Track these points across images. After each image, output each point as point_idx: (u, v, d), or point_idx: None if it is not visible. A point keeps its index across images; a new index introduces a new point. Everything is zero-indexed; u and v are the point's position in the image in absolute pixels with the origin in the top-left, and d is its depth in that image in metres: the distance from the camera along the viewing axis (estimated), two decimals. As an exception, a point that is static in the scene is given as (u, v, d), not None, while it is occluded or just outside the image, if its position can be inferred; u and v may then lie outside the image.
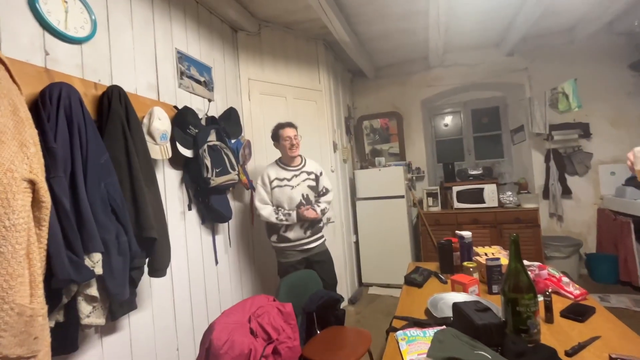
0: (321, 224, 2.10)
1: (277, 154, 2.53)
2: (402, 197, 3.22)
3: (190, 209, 1.72)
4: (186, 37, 1.88)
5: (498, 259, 1.32)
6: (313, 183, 2.03)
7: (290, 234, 1.95)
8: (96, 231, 1.03)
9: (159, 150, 1.45)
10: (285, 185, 1.96)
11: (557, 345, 0.88)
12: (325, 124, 2.91)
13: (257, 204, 1.96)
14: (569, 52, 3.26)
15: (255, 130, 2.42)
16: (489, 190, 3.17)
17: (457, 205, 3.30)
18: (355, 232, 3.38)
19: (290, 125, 2.01)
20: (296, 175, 2.00)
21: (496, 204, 3.15)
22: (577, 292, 1.19)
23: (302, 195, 1.97)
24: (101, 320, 1.11)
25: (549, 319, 1.05)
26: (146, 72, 1.56)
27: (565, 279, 1.25)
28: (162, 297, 1.52)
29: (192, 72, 1.88)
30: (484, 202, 3.19)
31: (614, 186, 3.10)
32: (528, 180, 3.45)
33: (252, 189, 2.18)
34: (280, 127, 2.01)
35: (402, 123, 3.89)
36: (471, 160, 3.97)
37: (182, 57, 1.81)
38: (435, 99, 3.97)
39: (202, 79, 1.96)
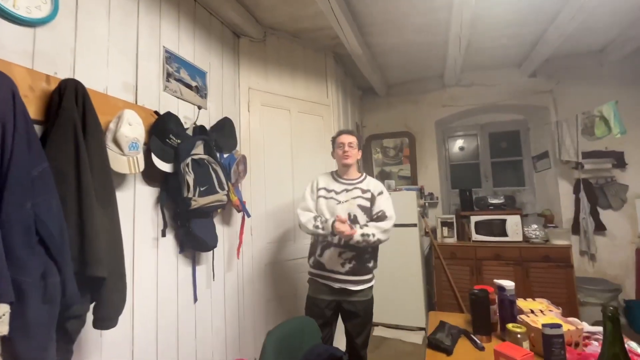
0: (371, 264, 1.67)
1: (275, 173, 2.26)
2: (415, 225, 2.89)
3: (164, 235, 1.42)
4: (178, 36, 1.65)
5: (559, 325, 0.98)
6: (367, 203, 1.66)
7: (325, 259, 1.62)
8: (4, 272, 0.73)
9: (126, 162, 1.17)
10: (331, 198, 1.69)
11: None
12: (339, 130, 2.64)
13: (298, 210, 1.71)
14: (599, 74, 3.01)
15: (254, 144, 2.16)
16: (512, 222, 2.83)
17: (475, 237, 2.95)
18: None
19: (349, 132, 1.78)
20: (347, 190, 1.70)
21: (521, 238, 2.80)
22: (681, 385, 0.85)
23: (349, 215, 1.63)
24: (6, 398, 0.78)
25: None
26: (122, 70, 1.31)
27: (657, 362, 0.91)
28: (117, 350, 1.19)
29: (182, 75, 1.64)
30: (506, 235, 2.84)
31: (654, 223, 2.74)
32: (554, 212, 3.11)
33: (245, 212, 1.88)
34: (338, 134, 1.78)
35: (414, 144, 3.61)
36: (489, 188, 3.65)
37: (170, 57, 1.57)
38: (450, 120, 3.71)
39: (193, 84, 1.71)
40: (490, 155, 3.71)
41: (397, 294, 2.83)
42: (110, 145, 1.14)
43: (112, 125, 1.16)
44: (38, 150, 0.88)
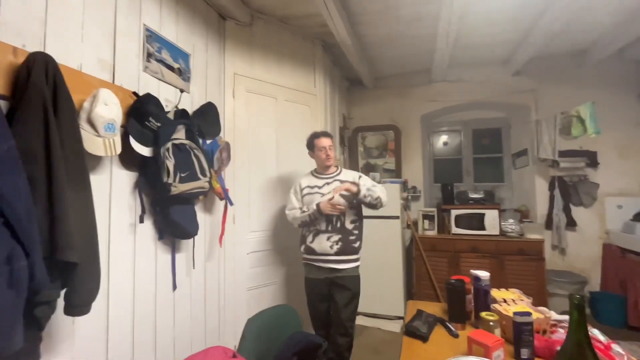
0: (357, 244, 1.86)
1: (260, 161, 2.24)
2: (397, 217, 2.94)
3: (142, 221, 1.38)
4: (160, 14, 1.57)
5: (529, 313, 1.02)
6: (346, 192, 1.78)
7: (315, 245, 1.83)
8: (-36, 255, 0.68)
9: (101, 143, 1.12)
10: (315, 193, 1.88)
11: None
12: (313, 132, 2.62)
13: (286, 212, 1.94)
14: (578, 76, 3.11)
15: (239, 131, 2.11)
16: (491, 217, 2.93)
17: (455, 230, 3.04)
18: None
19: (326, 134, 1.96)
20: (328, 183, 1.90)
21: (497, 232, 2.90)
22: (636, 368, 0.90)
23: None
24: (-32, 386, 0.75)
25: (611, 413, 0.76)
26: (98, 46, 1.24)
27: (616, 348, 0.97)
28: (90, 338, 1.16)
29: (164, 55, 1.57)
30: (484, 229, 2.93)
31: (621, 220, 2.90)
32: (530, 208, 3.23)
33: (228, 200, 1.85)
34: (315, 136, 1.95)
35: (399, 138, 3.64)
36: (470, 183, 3.75)
37: (151, 36, 1.50)
38: (435, 115, 3.76)
39: (175, 66, 1.65)
40: (472, 151, 3.79)
41: (378, 284, 2.89)
42: (84, 125, 1.08)
43: (86, 105, 1.10)
44: (3, 127, 0.82)
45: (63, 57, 1.08)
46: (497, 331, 1.10)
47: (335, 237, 1.81)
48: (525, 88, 3.26)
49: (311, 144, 1.96)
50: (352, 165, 3.69)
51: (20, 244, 0.81)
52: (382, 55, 3.09)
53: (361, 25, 2.51)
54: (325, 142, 1.91)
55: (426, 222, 3.17)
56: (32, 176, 0.88)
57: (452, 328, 1.21)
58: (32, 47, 1.01)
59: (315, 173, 1.99)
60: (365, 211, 2.78)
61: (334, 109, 3.08)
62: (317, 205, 1.79)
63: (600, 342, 0.99)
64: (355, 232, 1.86)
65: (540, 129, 3.00)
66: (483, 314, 1.13)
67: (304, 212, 1.84)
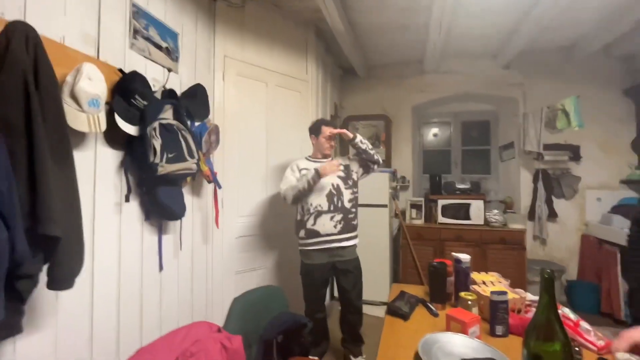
0: (355, 222, 1.97)
1: (249, 146, 2.23)
2: (385, 206, 2.98)
3: (128, 200, 1.36)
4: (147, -10, 1.53)
5: (505, 292, 1.07)
6: (342, 174, 1.95)
7: (319, 227, 1.86)
8: (-58, 223, 0.67)
9: (85, 119, 1.10)
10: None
11: None
12: (308, 118, 2.61)
13: (281, 186, 1.93)
14: (565, 71, 3.17)
15: (228, 115, 2.09)
16: (476, 207, 3.00)
17: (441, 219, 3.11)
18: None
19: (334, 125, 2.06)
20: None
21: (482, 222, 2.98)
22: (601, 342, 0.96)
23: (332, 185, 1.91)
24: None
25: (575, 382, 0.80)
26: (82, 19, 1.20)
27: (584, 325, 1.02)
28: (74, 313, 1.15)
29: (151, 33, 1.53)
30: (469, 218, 3.01)
31: (599, 213, 3.01)
32: (514, 199, 3.32)
33: (216, 183, 1.85)
34: (324, 122, 2.03)
35: (390, 128, 3.67)
36: (457, 174, 3.81)
37: (138, 13, 1.46)
38: (426, 107, 3.79)
39: (164, 45, 1.61)
40: (461, 144, 3.85)
41: (365, 271, 2.89)
42: (67, 99, 1.06)
43: (69, 79, 1.08)
44: (-20, 96, 0.80)
45: (44, 28, 1.04)
46: (475, 310, 1.14)
47: (338, 217, 1.87)
48: (514, 81, 3.31)
49: (318, 130, 2.01)
50: (342, 153, 3.70)
51: (1, 217, 0.80)
52: (375, 43, 3.08)
53: (355, 12, 2.50)
54: (331, 132, 1.99)
55: (414, 211, 3.23)
56: (12, 148, 0.86)
57: (433, 308, 1.25)
58: (12, 16, 0.97)
59: (312, 158, 2.04)
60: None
61: (326, 96, 3.07)
62: (316, 169, 1.81)
63: (570, 319, 1.04)
64: (353, 210, 1.96)
65: (527, 122, 3.06)
66: (462, 294, 1.18)
67: (299, 180, 1.86)
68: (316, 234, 1.87)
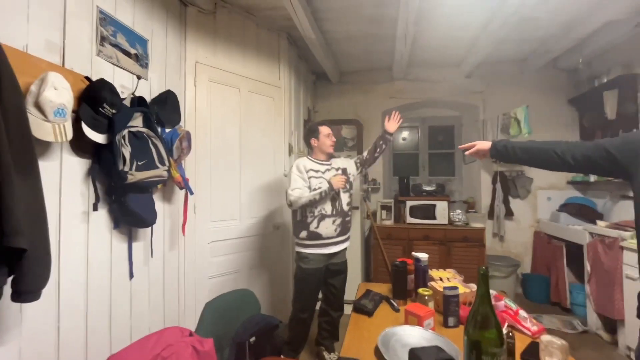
0: (350, 224, 2.08)
1: (222, 152, 2.24)
2: (357, 208, 3.09)
3: (96, 209, 1.35)
4: (115, -4, 1.52)
5: (456, 288, 1.19)
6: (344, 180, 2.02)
7: (322, 230, 1.92)
8: None
9: (51, 129, 1.09)
10: (320, 177, 1.97)
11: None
12: (281, 124, 2.67)
13: (289, 190, 1.92)
14: (520, 81, 3.45)
15: (200, 121, 2.10)
16: (441, 207, 3.19)
17: (409, 219, 3.27)
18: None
19: (326, 123, 2.12)
20: (328, 170, 2.03)
21: (446, 221, 3.17)
22: (535, 328, 1.10)
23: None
24: None
25: (510, 363, 0.93)
26: (46, 27, 1.19)
27: (522, 313, 1.16)
28: (39, 325, 1.14)
29: (119, 40, 1.53)
30: (435, 218, 3.19)
31: (549, 211, 3.31)
32: (476, 199, 3.56)
33: (188, 189, 1.86)
34: (319, 123, 2.09)
35: (362, 132, 3.80)
36: (425, 176, 4.02)
37: (105, 19, 1.45)
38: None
39: (132, 52, 1.60)
40: (428, 147, 4.06)
41: (338, 271, 3.03)
42: (31, 109, 1.05)
43: (33, 88, 1.07)
44: (-60, 109, 0.79)
45: (6, 36, 1.03)
46: (431, 304, 1.26)
47: (338, 220, 1.96)
48: (475, 89, 3.55)
49: (315, 132, 2.05)
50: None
51: (-37, 230, 0.80)
52: (347, 51, 3.19)
53: (325, 21, 2.58)
54: (328, 129, 2.06)
55: (384, 212, 3.37)
56: (-26, 161, 0.85)
57: (395, 304, 1.36)
58: (-30, 25, 0.95)
59: (314, 159, 2.06)
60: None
61: (299, 101, 3.13)
62: (329, 182, 1.88)
63: (511, 309, 1.18)
64: (350, 212, 2.09)
65: (485, 127, 3.30)
66: (420, 290, 1.29)
67: (314, 190, 1.90)
68: (318, 236, 1.92)
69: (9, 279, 0.94)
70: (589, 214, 2.84)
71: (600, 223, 2.54)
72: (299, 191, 1.90)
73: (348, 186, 2.02)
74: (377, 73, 3.72)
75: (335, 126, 3.78)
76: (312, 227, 1.92)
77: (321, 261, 1.96)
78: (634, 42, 2.57)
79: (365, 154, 2.19)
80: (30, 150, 0.99)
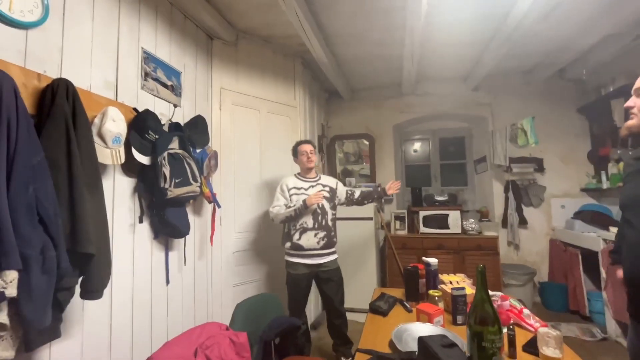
0: (335, 239, 2.16)
1: (244, 168, 2.44)
2: (371, 219, 3.21)
3: (141, 221, 1.55)
4: (155, 37, 1.77)
5: (463, 288, 1.30)
6: (328, 195, 2.15)
7: (303, 241, 2.03)
8: (14, 244, 0.86)
9: (109, 154, 1.31)
10: (302, 194, 2.10)
11: (521, 384, 0.85)
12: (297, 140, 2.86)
13: (270, 208, 2.09)
14: (527, 92, 3.54)
15: (225, 141, 2.31)
16: (454, 217, 3.26)
17: (423, 229, 3.35)
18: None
19: (308, 142, 2.25)
20: (312, 186, 2.15)
21: (459, 231, 3.23)
22: (538, 324, 1.19)
23: (318, 205, 2.07)
24: (9, 353, 0.91)
25: (512, 354, 1.03)
26: (104, 69, 1.43)
27: (526, 311, 1.26)
28: (97, 323, 1.32)
29: (159, 74, 1.77)
30: (448, 227, 3.26)
31: (563, 219, 3.32)
32: (489, 208, 3.61)
33: (216, 203, 2.05)
34: (299, 143, 2.24)
35: (374, 145, 3.95)
36: (437, 187, 4.10)
37: (148, 58, 1.69)
38: (406, 125, 4.10)
39: (169, 83, 1.84)
40: (439, 158, 4.16)
41: (354, 280, 3.14)
42: (95, 138, 1.26)
43: (96, 121, 1.29)
44: (36, 142, 1.01)
45: (76, 79, 1.25)
46: (441, 304, 1.36)
47: (322, 234, 2.06)
48: (483, 102, 3.66)
49: (295, 151, 2.23)
50: (331, 171, 3.96)
51: (50, 238, 0.99)
52: (357, 71, 3.39)
53: (336, 46, 2.80)
54: (306, 147, 2.19)
55: (397, 222, 3.47)
56: (56, 182, 1.06)
57: (408, 305, 1.47)
58: (52, 72, 1.19)
59: (300, 176, 2.21)
60: (341, 212, 3.04)
61: (313, 119, 3.33)
62: (303, 201, 2.00)
63: (515, 308, 1.28)
64: (334, 228, 2.17)
65: (494, 138, 3.38)
66: (430, 292, 1.40)
67: (290, 207, 2.03)
68: (300, 247, 2.04)
69: (79, 280, 1.14)
70: (603, 221, 2.85)
71: (613, 229, 2.56)
72: (278, 208, 2.06)
73: (325, 202, 2.10)
74: (386, 89, 3.89)
75: (349, 141, 3.98)
76: (295, 238, 2.05)
77: (307, 268, 2.07)
78: (635, 53, 2.65)
79: (357, 194, 2.31)
80: (97, 172, 1.20)
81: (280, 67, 2.80)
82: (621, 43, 2.51)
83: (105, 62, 1.44)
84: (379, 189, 2.32)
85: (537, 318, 1.23)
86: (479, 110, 3.69)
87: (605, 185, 2.98)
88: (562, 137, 3.42)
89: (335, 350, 2.23)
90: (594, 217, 2.90)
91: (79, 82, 1.27)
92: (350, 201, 2.30)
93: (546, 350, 0.97)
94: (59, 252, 1.01)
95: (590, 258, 2.79)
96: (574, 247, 2.99)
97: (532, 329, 1.18)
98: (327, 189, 2.18)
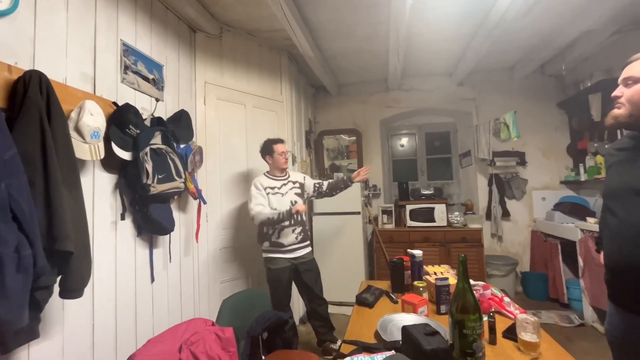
0: (309, 233, 2.24)
1: (230, 164, 2.41)
2: (359, 213, 3.23)
3: (123, 218, 1.52)
4: (135, 29, 1.71)
5: (446, 278, 1.33)
6: (299, 191, 2.21)
7: (283, 239, 2.08)
8: (-14, 243, 0.83)
9: (88, 149, 1.27)
10: (277, 193, 2.12)
11: (500, 368, 0.88)
12: (284, 136, 2.84)
13: (251, 205, 2.04)
14: (509, 87, 3.62)
15: (210, 136, 2.28)
16: (439, 210, 3.32)
17: (409, 223, 3.40)
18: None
19: (282, 141, 2.22)
20: (284, 184, 2.17)
21: (445, 224, 3.30)
22: (517, 312, 1.23)
23: (291, 202, 2.11)
24: (-16, 355, 0.88)
25: (492, 340, 1.06)
26: (81, 61, 1.38)
27: (506, 299, 1.30)
28: (78, 322, 1.29)
29: (140, 67, 1.72)
30: (434, 221, 3.32)
31: (544, 210, 3.42)
32: (473, 201, 3.69)
33: (201, 199, 2.02)
34: (274, 142, 2.18)
35: (361, 140, 3.97)
36: (424, 181, 4.16)
37: (128, 50, 1.64)
38: (393, 120, 4.13)
39: (150, 77, 1.79)
40: (425, 152, 4.22)
41: (342, 274, 3.16)
42: (72, 133, 1.22)
43: (73, 115, 1.25)
44: (7, 136, 0.96)
45: (50, 71, 1.20)
46: (426, 295, 1.39)
47: (299, 229, 2.13)
48: (467, 97, 3.72)
49: (270, 149, 2.16)
50: (318, 166, 3.96)
51: (25, 236, 0.96)
52: (343, 66, 3.38)
53: (322, 40, 2.78)
54: (283, 147, 2.17)
55: (385, 216, 3.51)
56: (31, 177, 1.02)
57: (393, 297, 1.49)
58: (24, 64, 1.14)
59: (270, 175, 2.18)
60: (329, 207, 3.05)
61: (300, 114, 3.32)
62: (290, 209, 2.01)
63: (496, 296, 1.31)
64: (306, 222, 2.24)
65: (478, 132, 3.45)
66: (415, 283, 1.43)
67: (274, 209, 2.02)
68: (280, 245, 2.07)
69: (58, 278, 1.10)
70: (581, 212, 2.95)
71: (590, 219, 2.66)
72: (261, 207, 2.02)
73: (298, 199, 2.16)
74: (373, 84, 3.91)
75: (335, 136, 3.98)
76: (274, 238, 2.07)
77: (287, 262, 2.10)
78: (612, 49, 2.74)
79: (325, 186, 2.32)
80: (74, 167, 1.16)
81: (266, 62, 2.77)
82: (598, 39, 2.58)
83: (82, 53, 1.39)
84: (345, 177, 2.36)
85: (517, 305, 1.27)
86: (464, 105, 3.75)
87: (583, 177, 3.09)
88: (543, 131, 3.52)
89: (321, 341, 2.25)
90: (573, 209, 3.00)
91: (53, 75, 1.22)
92: (319, 194, 2.32)
93: (524, 335, 1.00)
94: (35, 250, 0.97)
95: (568, 248, 2.89)
96: (553, 237, 3.10)
97: (512, 316, 1.22)
98: (297, 184, 2.21)
